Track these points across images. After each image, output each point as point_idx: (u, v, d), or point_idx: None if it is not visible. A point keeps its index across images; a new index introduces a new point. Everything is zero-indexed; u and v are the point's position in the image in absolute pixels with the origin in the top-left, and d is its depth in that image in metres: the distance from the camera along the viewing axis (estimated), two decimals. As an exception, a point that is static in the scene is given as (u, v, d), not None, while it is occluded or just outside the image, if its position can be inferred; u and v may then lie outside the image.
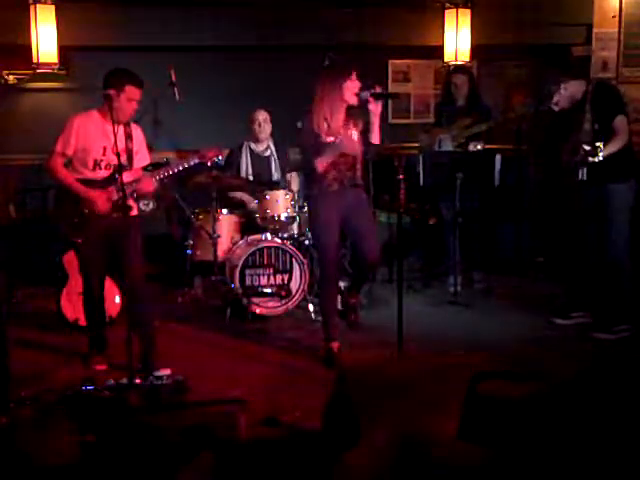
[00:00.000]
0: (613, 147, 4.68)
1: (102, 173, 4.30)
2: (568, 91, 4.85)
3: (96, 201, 4.25)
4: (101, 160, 4.29)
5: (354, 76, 4.21)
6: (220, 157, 4.76)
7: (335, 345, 4.55)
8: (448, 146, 6.14)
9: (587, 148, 4.53)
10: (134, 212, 4.46)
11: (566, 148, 4.92)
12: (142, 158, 4.45)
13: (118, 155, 3.91)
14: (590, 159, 4.54)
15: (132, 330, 3.87)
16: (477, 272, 6.33)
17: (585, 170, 4.73)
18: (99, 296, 4.55)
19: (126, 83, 4.20)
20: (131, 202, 4.35)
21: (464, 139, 6.12)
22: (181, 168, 4.45)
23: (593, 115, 4.75)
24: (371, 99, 4.17)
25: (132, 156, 4.33)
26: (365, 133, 4.36)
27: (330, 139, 4.32)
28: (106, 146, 4.26)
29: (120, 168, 3.98)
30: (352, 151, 4.37)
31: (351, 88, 4.19)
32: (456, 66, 6.67)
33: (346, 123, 4.35)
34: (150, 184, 4.35)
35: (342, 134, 4.32)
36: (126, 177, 4.11)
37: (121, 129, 4.27)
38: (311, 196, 4.52)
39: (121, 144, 4.17)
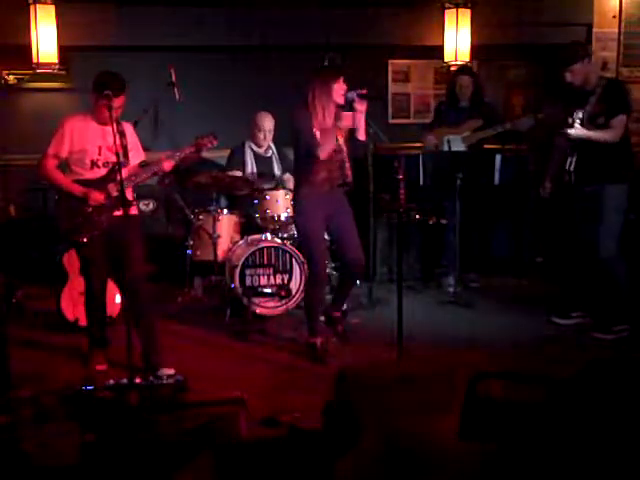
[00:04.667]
0: (600, 136, 4.71)
1: (100, 172, 4.35)
2: (589, 66, 4.86)
3: (95, 198, 4.29)
4: (98, 159, 4.34)
5: (341, 80, 4.55)
6: (215, 143, 4.73)
7: (319, 340, 4.68)
8: (459, 147, 6.13)
9: (569, 121, 4.69)
10: (134, 209, 4.47)
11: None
12: (137, 154, 4.49)
13: (118, 154, 3.94)
14: (568, 130, 4.70)
15: (134, 328, 3.94)
16: (473, 273, 6.35)
17: (574, 159, 4.78)
18: (101, 297, 4.53)
19: (105, 90, 4.18)
20: (130, 197, 4.36)
21: (476, 141, 6.11)
22: (181, 155, 4.47)
23: (598, 108, 4.75)
24: (357, 99, 4.51)
25: (127, 153, 4.35)
26: (351, 133, 4.64)
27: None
28: (101, 145, 4.33)
29: (119, 165, 3.98)
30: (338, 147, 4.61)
31: (339, 90, 4.52)
32: (462, 67, 6.62)
33: (335, 123, 4.61)
34: (170, 164, 4.44)
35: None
36: (123, 173, 4.16)
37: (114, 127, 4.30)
38: (300, 196, 4.67)
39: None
